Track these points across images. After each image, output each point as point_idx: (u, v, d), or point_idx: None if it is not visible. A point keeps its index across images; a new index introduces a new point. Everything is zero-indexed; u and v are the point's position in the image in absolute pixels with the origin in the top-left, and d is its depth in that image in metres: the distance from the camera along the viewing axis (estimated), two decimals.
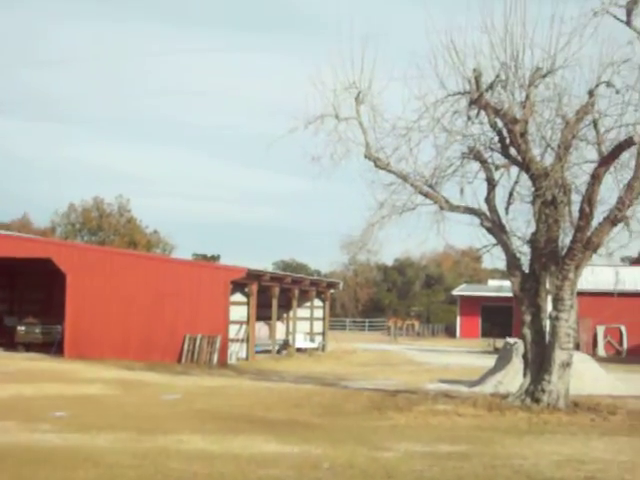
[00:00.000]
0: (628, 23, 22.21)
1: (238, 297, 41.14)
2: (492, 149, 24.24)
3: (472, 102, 23.21)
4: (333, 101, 24.51)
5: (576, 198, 23.33)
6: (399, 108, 23.93)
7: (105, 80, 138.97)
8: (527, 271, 24.30)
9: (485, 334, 74.26)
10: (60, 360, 37.51)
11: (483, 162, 24.39)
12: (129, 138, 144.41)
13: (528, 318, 23.91)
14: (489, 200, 24.60)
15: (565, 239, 23.65)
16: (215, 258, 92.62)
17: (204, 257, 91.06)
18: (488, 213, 24.52)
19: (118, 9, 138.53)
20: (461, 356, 50.76)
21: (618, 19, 22.25)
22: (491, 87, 23.05)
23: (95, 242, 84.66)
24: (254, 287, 41.01)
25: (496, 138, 23.86)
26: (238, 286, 40.64)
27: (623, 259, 69.73)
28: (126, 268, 40.36)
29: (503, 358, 30.96)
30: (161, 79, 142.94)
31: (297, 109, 24.57)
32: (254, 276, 41.05)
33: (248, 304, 41.25)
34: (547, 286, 23.99)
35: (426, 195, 24.35)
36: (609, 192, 22.95)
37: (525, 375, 24.02)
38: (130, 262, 41.91)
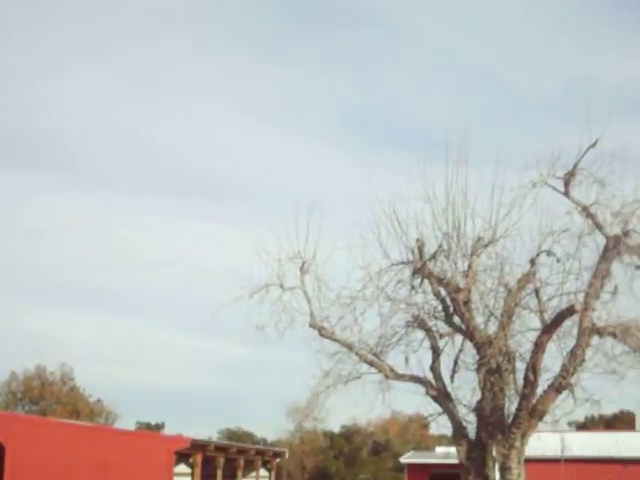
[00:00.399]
0: (566, 194, 22.77)
1: (182, 468, 40.38)
2: (436, 317, 24.36)
3: (415, 271, 23.46)
4: (278, 271, 24.65)
5: (520, 366, 23.36)
6: (343, 277, 24.14)
7: (48, 248, 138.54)
8: (473, 439, 24.11)
9: None
10: None
11: (427, 330, 24.47)
12: (74, 305, 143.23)
13: None
14: (434, 368, 24.57)
15: (511, 407, 23.57)
16: (159, 426, 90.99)
17: (148, 426, 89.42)
18: (433, 381, 24.46)
19: None
20: None
21: (556, 190, 22.84)
22: (434, 256, 23.35)
23: (36, 411, 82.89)
24: (198, 457, 40.29)
25: (440, 307, 24.02)
26: (182, 456, 39.90)
27: (570, 424, 69.59)
28: (67, 439, 39.49)
29: None
30: (104, 247, 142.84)
31: (242, 278, 24.62)
32: (198, 446, 40.36)
33: (192, 475, 40.44)
34: (494, 454, 23.79)
35: (371, 364, 24.29)
36: (553, 360, 23.03)
37: None
38: (72, 433, 41.10)
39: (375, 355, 24.25)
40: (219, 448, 44.09)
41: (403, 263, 23.67)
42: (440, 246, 23.30)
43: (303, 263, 24.74)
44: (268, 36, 41.09)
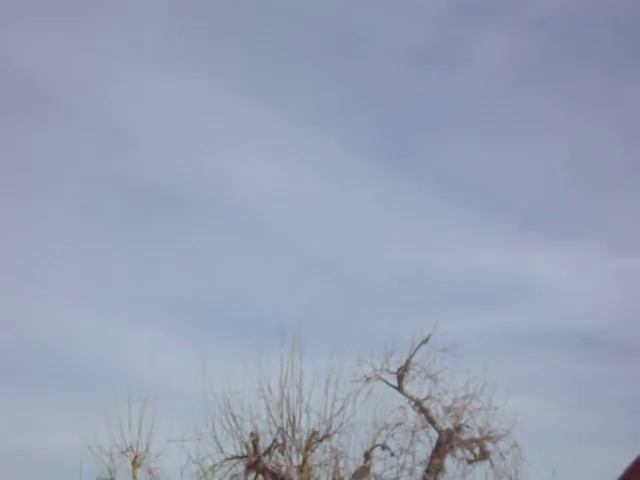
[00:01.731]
0: (399, 388, 23.18)
1: None
2: None
3: (250, 466, 23.10)
4: (109, 465, 24.06)
5: None
6: (177, 472, 23.62)
7: None
8: None
9: None
10: None
11: None
12: None
13: None
14: None
15: None
16: None
17: None
18: None
19: None
20: None
21: (390, 384, 23.23)
22: (268, 451, 23.05)
23: None
24: None
25: None
26: None
27: None
28: None
29: None
30: None
31: (72, 472, 23.95)
32: None
33: None
34: None
35: None
36: None
37: None
38: None
39: None
40: None
41: (237, 457, 23.29)
42: (275, 440, 23.05)
43: (135, 457, 24.25)
44: (109, 227, 41.54)
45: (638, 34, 43.01)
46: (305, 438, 23.04)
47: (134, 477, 24.29)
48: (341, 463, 23.33)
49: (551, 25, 44.16)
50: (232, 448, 23.33)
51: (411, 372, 23.11)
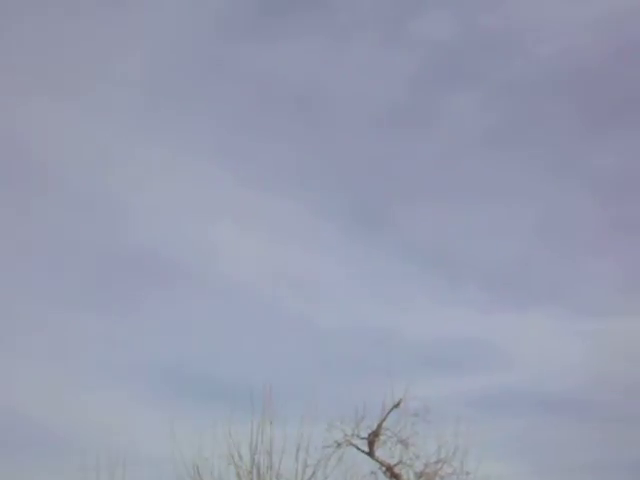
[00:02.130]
0: (370, 454, 23.09)
1: None
2: None
3: None
4: None
5: None
6: None
7: None
8: None
9: None
10: None
11: None
12: None
13: None
14: None
15: None
16: None
17: None
18: None
19: None
20: None
21: (361, 450, 23.15)
22: None
23: None
24: None
25: None
26: None
27: None
28: None
29: None
30: None
31: None
32: None
33: None
34: None
35: None
36: None
37: None
38: None
39: None
40: None
41: None
42: None
43: None
44: (76, 288, 41.21)
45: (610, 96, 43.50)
46: None
47: None
48: None
49: (520, 89, 44.72)
50: None
51: (382, 437, 23.04)
